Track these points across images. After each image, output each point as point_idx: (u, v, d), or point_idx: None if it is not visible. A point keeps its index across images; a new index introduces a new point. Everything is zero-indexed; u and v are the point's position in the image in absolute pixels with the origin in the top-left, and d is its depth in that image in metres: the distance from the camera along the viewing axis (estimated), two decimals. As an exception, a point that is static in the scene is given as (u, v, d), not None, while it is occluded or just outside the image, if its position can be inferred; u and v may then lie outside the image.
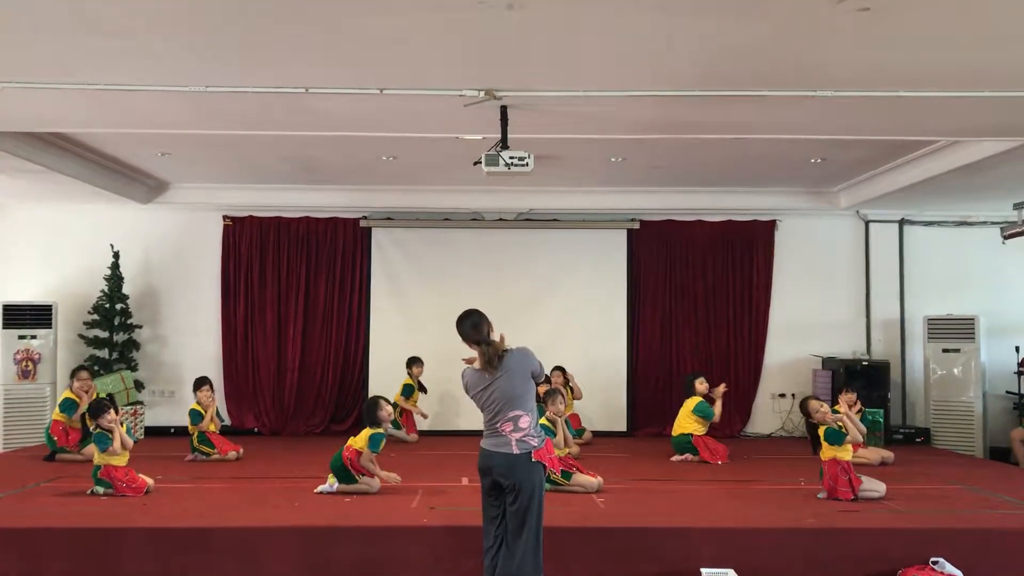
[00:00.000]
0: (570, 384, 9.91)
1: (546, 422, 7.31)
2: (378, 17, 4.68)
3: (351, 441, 7.02)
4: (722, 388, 9.13)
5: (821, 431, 6.88)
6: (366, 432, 7.01)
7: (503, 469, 4.76)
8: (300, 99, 6.18)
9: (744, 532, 5.80)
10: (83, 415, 7.14)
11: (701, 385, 9.07)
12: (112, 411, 6.92)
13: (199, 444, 8.74)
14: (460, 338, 4.94)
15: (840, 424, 6.85)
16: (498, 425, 4.83)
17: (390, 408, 7.23)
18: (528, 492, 4.73)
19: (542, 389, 8.10)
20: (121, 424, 6.96)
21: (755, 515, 6.23)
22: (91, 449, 7.24)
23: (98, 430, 6.84)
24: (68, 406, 8.76)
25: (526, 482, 4.73)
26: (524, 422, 4.80)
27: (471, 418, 10.76)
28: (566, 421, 7.84)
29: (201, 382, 8.99)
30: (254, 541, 5.63)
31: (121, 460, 6.86)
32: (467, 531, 5.69)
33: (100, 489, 6.76)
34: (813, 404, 7.03)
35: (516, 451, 4.75)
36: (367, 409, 7.21)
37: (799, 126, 7.11)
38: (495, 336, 4.91)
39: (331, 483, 6.91)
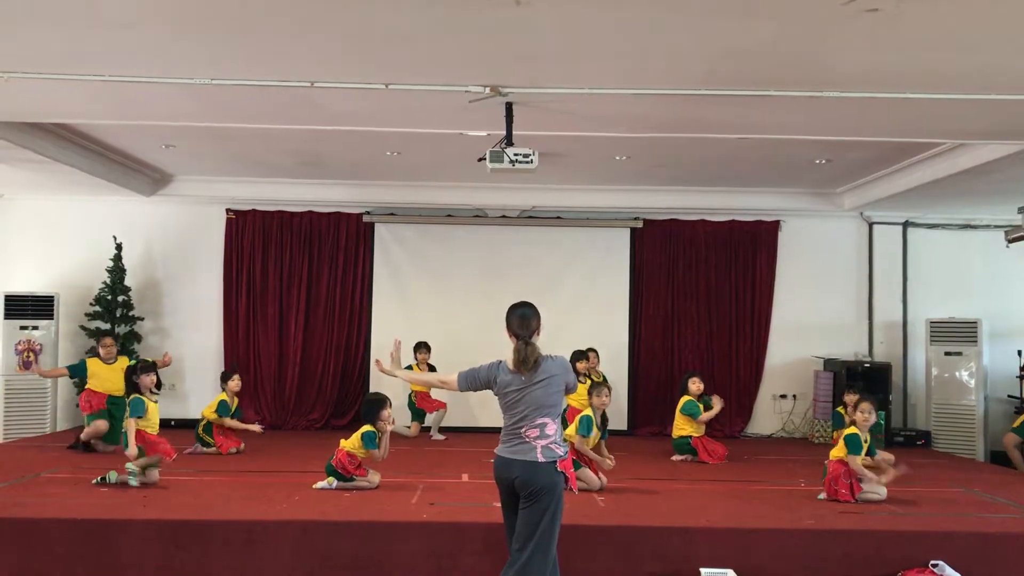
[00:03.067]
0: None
1: (590, 412, 7.25)
2: (384, 12, 4.67)
3: (342, 443, 7.00)
4: (719, 402, 9.04)
5: (845, 432, 6.90)
6: (359, 432, 6.99)
7: (525, 477, 4.48)
8: (305, 93, 6.17)
9: (744, 532, 5.80)
10: (128, 372, 7.24)
11: (694, 385, 9.06)
12: (155, 375, 7.07)
13: (203, 433, 8.78)
14: (505, 326, 4.68)
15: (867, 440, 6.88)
16: (522, 430, 4.55)
17: (391, 411, 7.07)
18: (547, 500, 4.47)
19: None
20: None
21: (755, 515, 6.22)
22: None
23: (134, 396, 6.96)
24: (77, 369, 9.01)
25: (547, 490, 4.47)
26: (551, 429, 4.55)
27: (472, 414, 10.81)
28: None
29: (234, 370, 9.09)
30: (254, 535, 5.63)
31: (153, 428, 6.99)
32: (467, 527, 5.70)
33: (132, 473, 6.81)
34: (864, 405, 6.94)
35: (541, 459, 4.49)
36: (367, 406, 7.11)
37: (805, 126, 7.10)
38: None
39: (329, 481, 6.91)
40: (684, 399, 9.01)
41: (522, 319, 4.65)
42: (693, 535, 5.76)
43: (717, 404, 8.89)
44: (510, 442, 4.61)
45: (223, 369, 10.86)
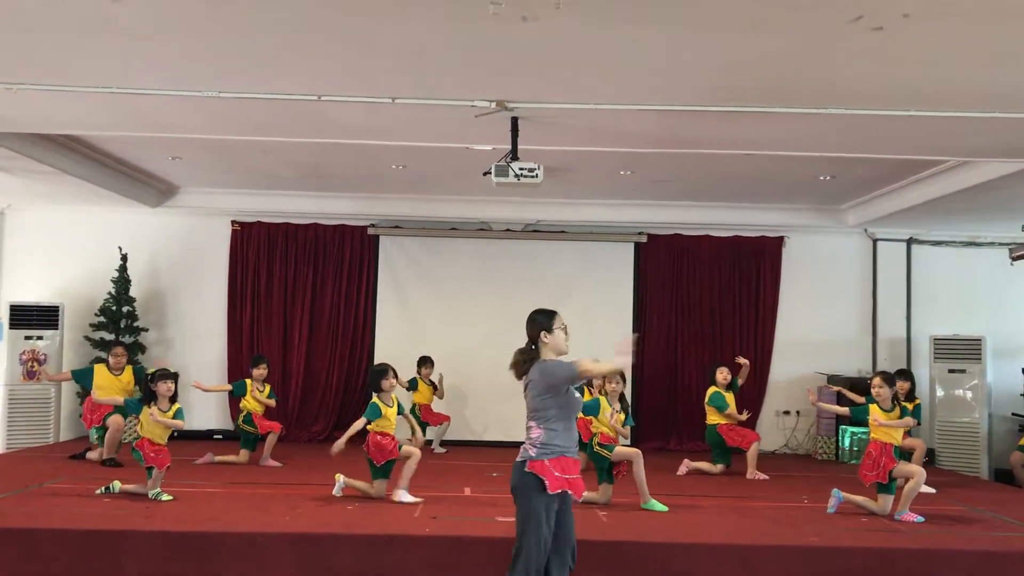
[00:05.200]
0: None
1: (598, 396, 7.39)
2: (392, 26, 4.70)
3: (369, 427, 7.14)
4: (742, 361, 9.32)
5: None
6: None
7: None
8: (312, 106, 6.21)
9: (747, 549, 5.78)
10: (146, 379, 7.25)
11: (720, 375, 9.14)
12: (172, 383, 7.08)
13: (243, 424, 8.97)
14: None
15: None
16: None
17: (393, 381, 7.27)
18: (518, 501, 4.53)
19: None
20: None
21: (757, 532, 6.21)
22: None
23: (137, 394, 7.01)
24: (83, 374, 9.00)
25: (518, 490, 4.54)
26: (535, 433, 4.59)
27: (474, 428, 10.80)
28: None
29: (258, 360, 9.22)
30: (256, 547, 5.62)
31: (159, 437, 6.98)
32: (470, 541, 5.69)
33: (154, 487, 6.84)
34: (874, 381, 7.17)
35: (519, 458, 4.60)
36: (371, 377, 7.31)
37: (809, 143, 7.12)
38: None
39: (338, 479, 7.04)
40: (711, 390, 9.10)
41: (529, 322, 4.81)
42: (696, 551, 5.74)
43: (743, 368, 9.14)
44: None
45: (227, 381, 10.90)
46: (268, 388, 9.16)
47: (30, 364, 10.19)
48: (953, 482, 9.20)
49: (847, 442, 10.40)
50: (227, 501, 6.84)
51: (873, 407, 7.06)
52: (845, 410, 7.48)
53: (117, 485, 6.89)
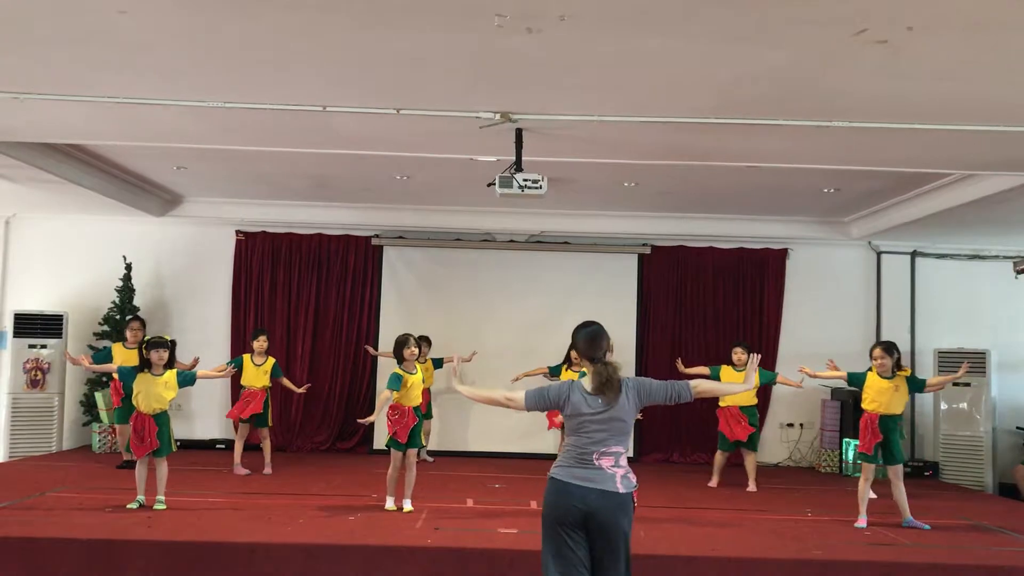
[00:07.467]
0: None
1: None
2: (396, 37, 4.72)
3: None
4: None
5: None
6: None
7: (606, 507, 4.09)
8: (317, 117, 6.22)
9: (750, 562, 5.76)
10: (140, 346, 7.21)
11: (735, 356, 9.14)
12: (164, 351, 6.98)
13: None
14: (574, 351, 4.38)
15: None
16: (593, 457, 4.14)
17: (415, 349, 7.32)
18: (624, 533, 4.14)
19: None
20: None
21: (761, 545, 6.19)
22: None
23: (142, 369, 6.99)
24: (101, 356, 9.05)
25: (624, 522, 4.14)
26: (624, 460, 4.22)
27: (478, 439, 10.77)
28: None
29: (258, 332, 9.28)
30: (258, 557, 5.62)
31: (145, 407, 6.90)
32: (472, 553, 5.67)
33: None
34: (874, 352, 7.32)
35: (622, 489, 4.13)
36: (394, 347, 7.33)
37: (813, 155, 7.13)
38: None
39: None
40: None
41: (590, 339, 4.38)
42: (699, 564, 5.72)
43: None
44: (581, 468, 4.18)
45: (230, 390, 10.90)
46: (271, 361, 9.09)
47: (34, 373, 10.20)
48: (957, 496, 9.17)
49: (851, 455, 10.36)
50: (229, 511, 6.84)
51: (871, 374, 7.24)
52: (842, 373, 7.59)
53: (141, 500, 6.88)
